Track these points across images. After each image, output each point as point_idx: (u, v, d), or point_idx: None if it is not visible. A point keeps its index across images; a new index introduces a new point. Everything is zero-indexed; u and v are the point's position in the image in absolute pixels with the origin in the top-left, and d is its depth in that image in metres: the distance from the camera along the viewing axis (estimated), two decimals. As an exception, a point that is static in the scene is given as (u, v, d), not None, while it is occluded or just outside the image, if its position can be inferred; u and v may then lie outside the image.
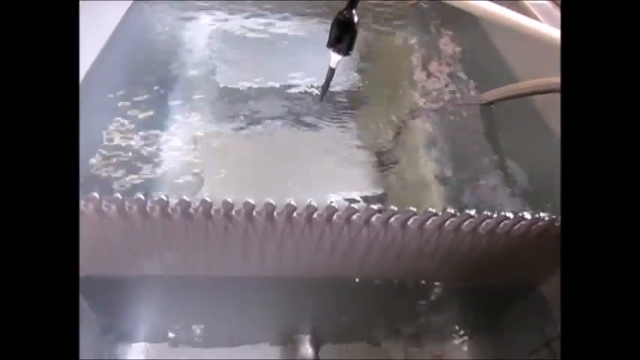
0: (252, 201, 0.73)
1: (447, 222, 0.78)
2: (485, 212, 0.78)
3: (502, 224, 0.79)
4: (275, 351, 0.87)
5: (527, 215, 0.78)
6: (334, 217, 0.76)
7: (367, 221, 0.77)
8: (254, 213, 0.75)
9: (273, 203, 0.73)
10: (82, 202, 0.70)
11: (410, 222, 0.78)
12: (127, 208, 0.72)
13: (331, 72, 1.01)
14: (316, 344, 0.88)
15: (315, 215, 0.76)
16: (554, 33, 0.86)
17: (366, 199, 1.01)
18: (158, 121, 1.10)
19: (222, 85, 1.20)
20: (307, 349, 0.87)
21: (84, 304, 0.83)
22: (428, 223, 0.78)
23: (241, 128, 1.13)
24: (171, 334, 0.86)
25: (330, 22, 0.92)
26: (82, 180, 0.91)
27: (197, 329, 0.87)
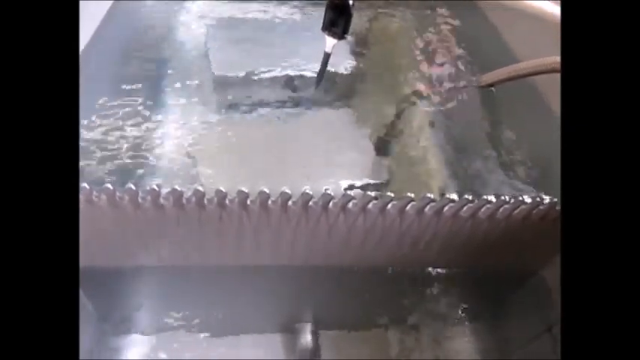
0: (245, 190, 0.72)
1: (446, 207, 0.77)
2: (485, 197, 0.76)
3: (502, 209, 0.77)
4: (274, 340, 0.87)
5: (528, 199, 0.76)
6: (330, 204, 0.75)
7: (364, 208, 0.75)
8: (248, 202, 0.73)
9: (267, 192, 0.72)
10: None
11: (408, 208, 0.77)
12: (117, 199, 0.71)
13: (327, 57, 0.99)
14: (315, 333, 0.87)
15: (310, 203, 0.74)
16: (555, 10, 0.84)
17: (364, 185, 0.99)
18: (151, 110, 1.09)
19: (217, 71, 1.17)
20: (306, 338, 0.86)
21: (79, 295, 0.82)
22: (426, 209, 0.77)
23: (236, 115, 1.12)
24: (167, 325, 0.85)
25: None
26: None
27: (193, 320, 0.86)
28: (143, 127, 1.04)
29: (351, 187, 0.98)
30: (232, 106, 1.14)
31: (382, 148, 1.09)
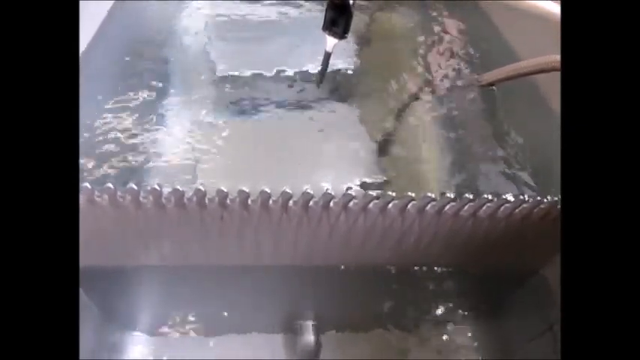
0: (246, 189, 0.72)
1: (447, 207, 0.77)
2: (486, 196, 0.76)
3: (503, 208, 0.77)
4: (275, 340, 0.87)
5: (529, 198, 0.76)
6: (331, 204, 0.75)
7: (365, 208, 0.75)
8: (249, 201, 0.74)
9: (268, 191, 0.72)
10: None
11: (409, 207, 0.77)
12: (119, 198, 0.71)
13: (327, 56, 0.99)
14: (317, 333, 0.87)
15: (311, 203, 0.74)
16: (557, 10, 0.84)
17: (365, 185, 0.99)
18: (152, 109, 1.09)
19: (217, 72, 1.18)
20: (308, 338, 0.86)
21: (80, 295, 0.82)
22: (427, 208, 0.77)
23: (238, 116, 1.12)
24: (169, 325, 0.86)
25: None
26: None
27: (195, 319, 0.86)
28: (144, 127, 1.04)
29: (350, 187, 0.98)
30: (233, 106, 1.13)
31: (383, 147, 1.09)
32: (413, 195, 0.75)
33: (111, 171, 0.93)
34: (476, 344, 0.88)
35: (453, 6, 1.49)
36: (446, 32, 1.41)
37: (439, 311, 0.92)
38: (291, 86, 1.18)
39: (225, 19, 1.37)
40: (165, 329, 0.86)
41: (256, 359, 0.84)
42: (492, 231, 0.80)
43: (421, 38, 1.39)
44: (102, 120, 1.04)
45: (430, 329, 0.90)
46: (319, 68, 1.03)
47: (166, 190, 0.72)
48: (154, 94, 1.13)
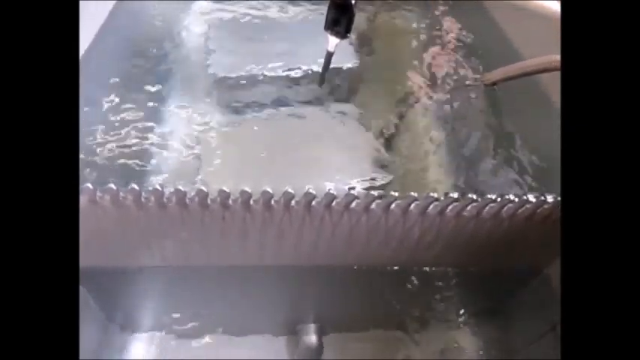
0: (249, 189, 0.72)
1: (450, 207, 0.76)
2: (489, 196, 0.76)
3: (506, 208, 0.77)
4: (277, 340, 0.87)
5: (532, 198, 0.76)
6: (333, 204, 0.74)
7: (367, 208, 0.75)
8: (251, 202, 0.73)
9: (271, 191, 0.72)
10: (75, 193, 0.69)
11: (412, 207, 0.76)
12: (121, 199, 0.71)
13: (329, 56, 0.99)
14: (319, 333, 0.87)
15: (314, 203, 0.74)
16: (559, 9, 0.83)
17: (367, 185, 0.99)
18: (154, 110, 1.09)
19: (219, 71, 1.17)
20: (310, 338, 0.86)
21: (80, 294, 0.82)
22: (430, 208, 0.77)
23: (239, 116, 1.12)
24: (171, 325, 0.85)
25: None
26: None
27: (197, 320, 0.86)
28: (145, 127, 1.04)
29: (352, 187, 0.98)
30: (235, 106, 1.13)
31: (385, 146, 1.09)
32: (416, 195, 0.74)
33: (112, 171, 0.93)
34: (478, 344, 0.88)
35: (456, 5, 1.48)
36: (448, 31, 1.41)
37: (442, 311, 0.92)
38: (292, 86, 1.18)
39: (226, 19, 1.37)
40: (166, 329, 0.86)
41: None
42: (495, 231, 0.80)
43: (424, 37, 1.39)
44: (102, 120, 1.04)
45: (433, 330, 0.90)
46: (321, 68, 1.02)
47: (168, 190, 0.71)
48: (154, 94, 1.13)
